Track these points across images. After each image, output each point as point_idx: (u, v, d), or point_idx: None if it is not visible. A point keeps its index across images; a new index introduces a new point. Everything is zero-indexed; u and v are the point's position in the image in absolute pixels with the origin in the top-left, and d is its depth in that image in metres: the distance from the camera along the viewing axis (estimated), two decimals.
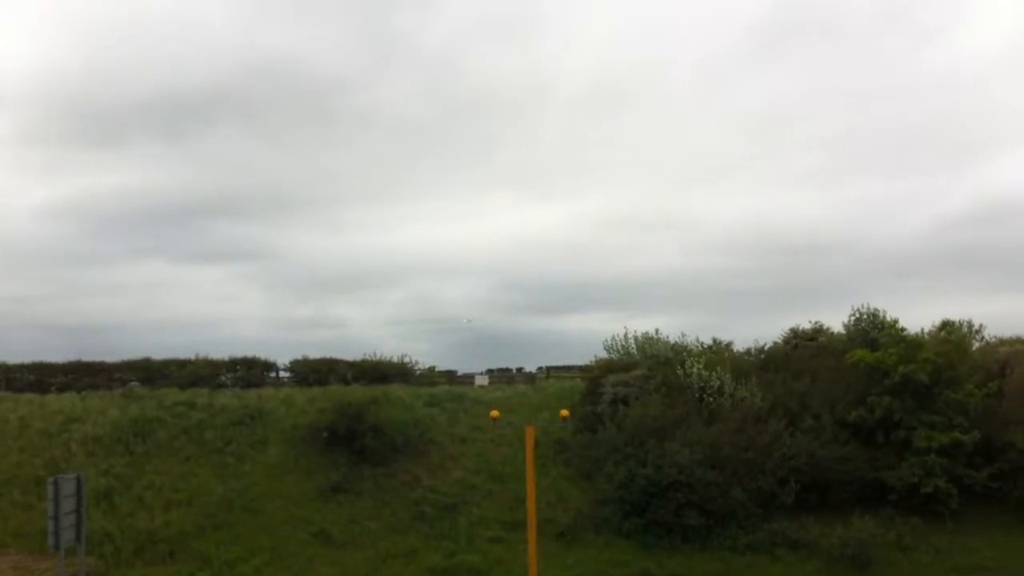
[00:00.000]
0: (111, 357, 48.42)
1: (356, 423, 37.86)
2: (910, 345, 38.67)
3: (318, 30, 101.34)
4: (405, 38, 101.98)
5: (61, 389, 44.87)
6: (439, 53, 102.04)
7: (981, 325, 44.67)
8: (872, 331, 42.22)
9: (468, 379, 51.54)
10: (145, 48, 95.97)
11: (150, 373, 46.72)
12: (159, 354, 48.23)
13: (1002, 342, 44.34)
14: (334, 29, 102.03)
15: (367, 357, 48.75)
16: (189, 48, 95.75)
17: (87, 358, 48.39)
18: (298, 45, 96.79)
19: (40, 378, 46.52)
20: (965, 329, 44.13)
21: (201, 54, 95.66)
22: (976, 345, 43.74)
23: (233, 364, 48.12)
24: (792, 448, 36.27)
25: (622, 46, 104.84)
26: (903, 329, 41.38)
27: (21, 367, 47.35)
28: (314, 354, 49.09)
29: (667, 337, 45.75)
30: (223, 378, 47.32)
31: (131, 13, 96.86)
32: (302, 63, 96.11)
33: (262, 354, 49.00)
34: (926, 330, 43.13)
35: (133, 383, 45.71)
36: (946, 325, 43.67)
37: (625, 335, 46.28)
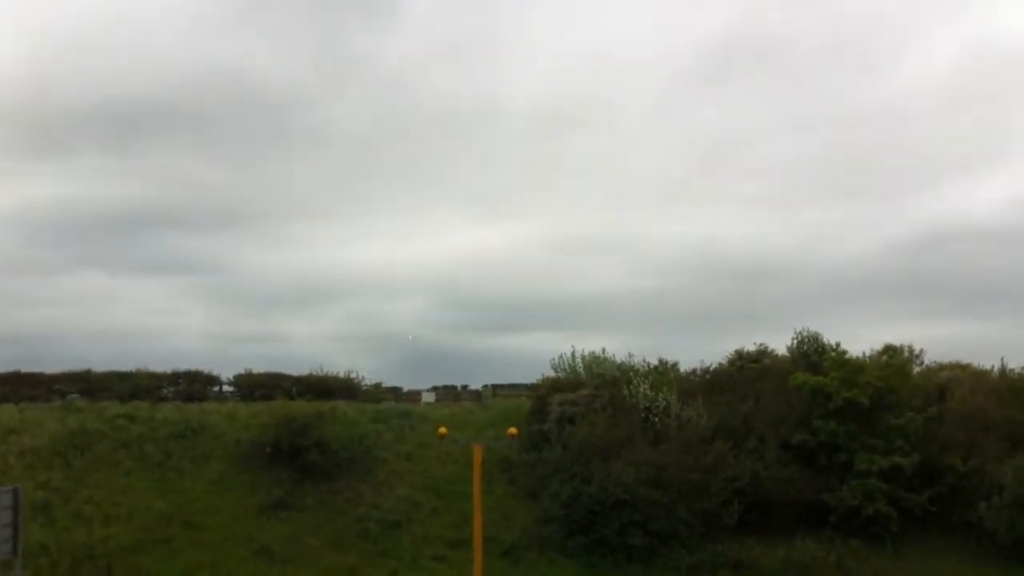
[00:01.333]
0: (50, 368, 47.54)
1: (300, 438, 37.48)
2: (852, 368, 39.19)
3: (271, 46, 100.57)
4: (359, 57, 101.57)
5: None
6: (392, 73, 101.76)
7: (922, 350, 45.39)
8: (814, 354, 42.68)
9: (414, 396, 51.25)
10: (92, 59, 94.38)
11: (90, 385, 45.89)
12: (100, 366, 47.40)
13: (942, 367, 45.06)
14: (288, 46, 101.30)
15: (312, 372, 48.33)
16: (138, 60, 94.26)
17: (26, 369, 47.49)
18: (251, 60, 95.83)
19: None
20: (906, 353, 44.76)
21: (150, 66, 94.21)
22: (917, 369, 44.41)
23: (176, 377, 47.44)
24: (736, 469, 36.54)
25: (574, 70, 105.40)
26: (844, 352, 41.92)
27: None
28: (259, 369, 48.60)
29: (614, 357, 45.89)
30: (165, 391, 46.66)
31: (78, 23, 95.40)
32: (254, 78, 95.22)
33: (205, 368, 48.41)
34: (868, 354, 43.71)
35: (73, 395, 44.85)
36: (888, 349, 44.26)
37: (572, 354, 46.36)
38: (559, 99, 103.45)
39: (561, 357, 46.44)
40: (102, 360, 54.67)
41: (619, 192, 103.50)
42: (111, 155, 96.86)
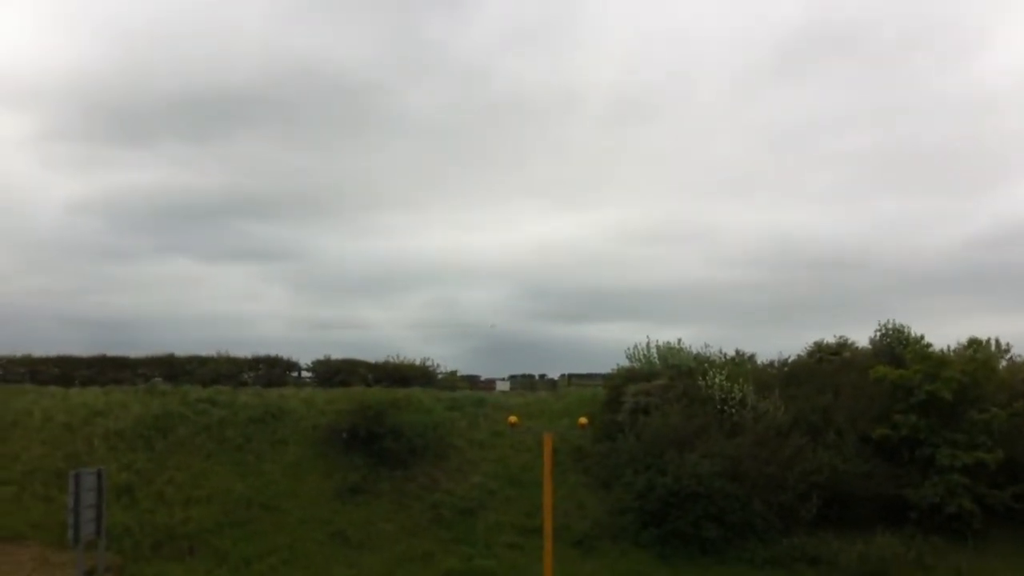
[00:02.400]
0: (135, 352, 48.61)
1: (376, 425, 37.87)
2: (935, 362, 38.35)
3: (351, 35, 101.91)
4: (436, 45, 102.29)
5: (85, 383, 45.03)
6: (469, 61, 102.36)
7: (1008, 344, 44.20)
8: (897, 347, 41.89)
9: (489, 384, 51.46)
10: (178, 48, 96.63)
11: (173, 369, 46.86)
12: (182, 351, 48.35)
13: None
14: (367, 34, 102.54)
15: (389, 359, 48.75)
16: (222, 49, 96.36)
17: (111, 353, 48.60)
18: (331, 49, 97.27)
19: (64, 371, 46.67)
20: (992, 347, 43.67)
21: (234, 56, 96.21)
22: (1003, 364, 43.27)
23: (255, 362, 48.21)
24: (814, 463, 35.99)
25: (650, 58, 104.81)
26: (929, 346, 41.08)
27: (46, 360, 47.53)
28: (336, 355, 49.11)
29: (689, 348, 45.52)
30: (245, 376, 47.41)
31: (165, 13, 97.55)
32: (334, 67, 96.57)
33: (284, 354, 49.09)
34: (952, 348, 42.78)
35: (156, 379, 45.86)
36: (973, 343, 43.23)
37: (647, 345, 46.03)
38: (634, 87, 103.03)
39: (636, 347, 46.20)
40: (185, 345, 55.83)
41: (695, 181, 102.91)
42: (196, 143, 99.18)
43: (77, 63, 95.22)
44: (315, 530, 34.53)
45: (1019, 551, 35.51)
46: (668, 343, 45.96)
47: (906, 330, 43.11)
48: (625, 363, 45.88)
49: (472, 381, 51.98)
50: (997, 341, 44.02)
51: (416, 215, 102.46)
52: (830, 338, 45.81)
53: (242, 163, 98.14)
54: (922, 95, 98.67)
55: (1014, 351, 44.26)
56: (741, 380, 39.80)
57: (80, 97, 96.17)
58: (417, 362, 49.41)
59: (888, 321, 43.75)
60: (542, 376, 54.90)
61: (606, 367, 48.75)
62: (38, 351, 48.20)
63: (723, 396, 39.23)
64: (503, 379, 52.35)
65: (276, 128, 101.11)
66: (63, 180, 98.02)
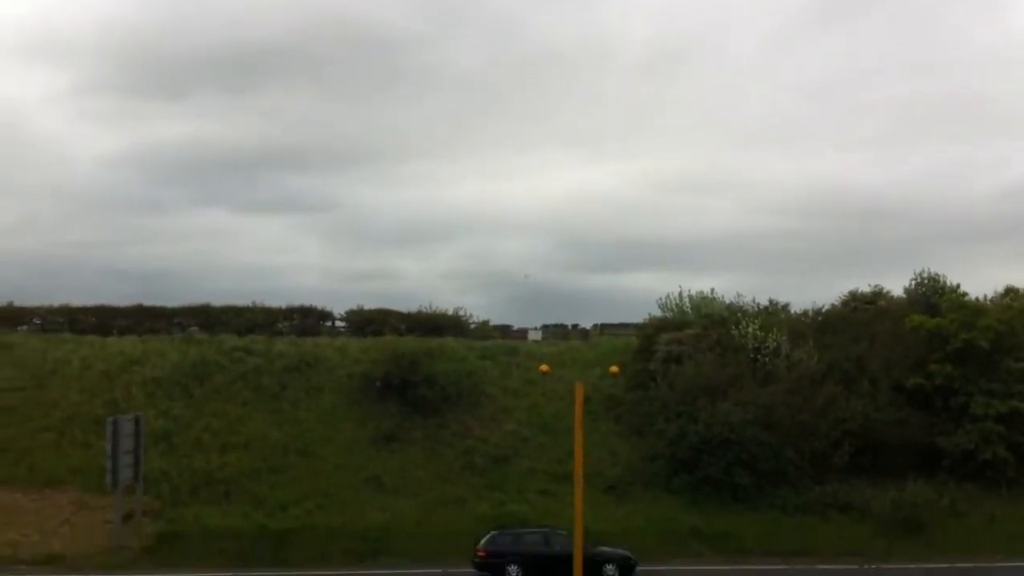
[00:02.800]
0: (172, 302, 49.05)
1: (409, 374, 38.13)
2: (971, 311, 38.08)
3: None
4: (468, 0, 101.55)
5: (122, 332, 45.56)
6: (502, 13, 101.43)
7: None
8: (933, 296, 41.60)
9: (522, 334, 51.53)
10: (211, 2, 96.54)
11: (209, 319, 47.26)
12: (218, 301, 48.69)
13: None
14: None
15: (422, 309, 48.95)
16: (256, 3, 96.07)
17: (148, 303, 49.10)
18: (365, 2, 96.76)
19: (102, 321, 47.23)
20: None
21: (268, 9, 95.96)
22: None
23: (290, 312, 48.55)
24: (847, 411, 35.99)
25: (683, 10, 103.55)
26: (965, 294, 40.74)
27: (84, 309, 48.09)
28: (370, 305, 49.36)
29: (722, 297, 45.39)
30: (280, 326, 47.75)
31: None
32: (368, 20, 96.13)
33: (319, 304, 49.37)
34: (988, 296, 42.41)
35: (192, 328, 46.33)
36: (1010, 291, 42.87)
37: (680, 294, 45.98)
38: (668, 38, 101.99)
39: (669, 297, 46.15)
40: (221, 295, 56.32)
41: (729, 131, 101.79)
42: (231, 96, 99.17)
43: (111, 17, 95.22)
44: (350, 476, 34.98)
45: None
46: (701, 293, 45.97)
47: (942, 279, 42.83)
48: (657, 313, 45.90)
49: (504, 331, 52.06)
50: None
51: (449, 166, 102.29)
52: (865, 287, 45.65)
53: (276, 116, 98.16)
54: (962, 44, 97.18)
55: None
56: (775, 329, 39.69)
57: (114, 51, 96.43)
58: (450, 312, 49.60)
59: (924, 270, 43.53)
60: (574, 326, 54.91)
61: (638, 317, 48.78)
62: (76, 301, 48.83)
63: (756, 345, 39.16)
64: (535, 328, 52.38)
65: (310, 81, 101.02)
66: (99, 133, 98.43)
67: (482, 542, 29.14)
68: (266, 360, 40.99)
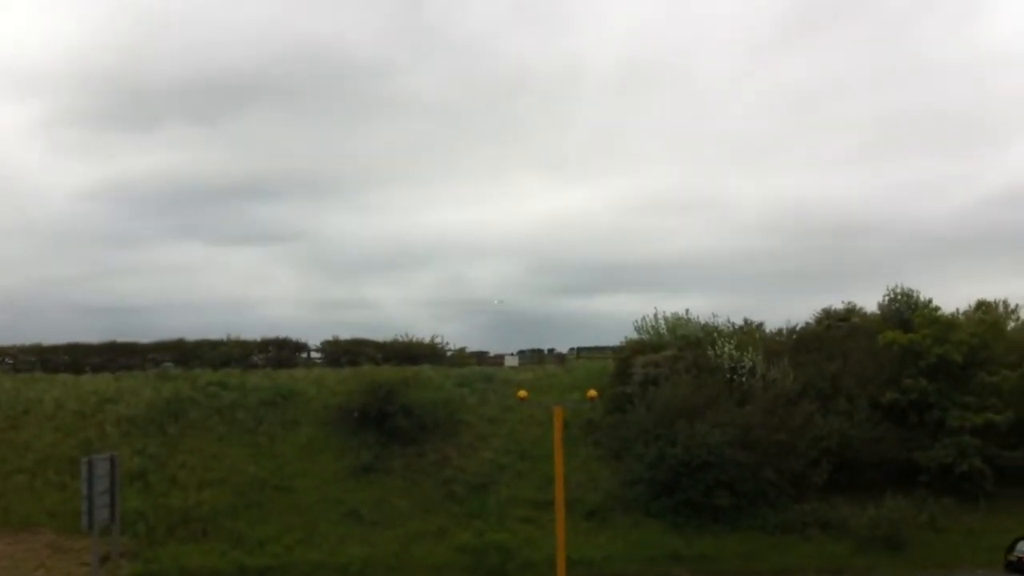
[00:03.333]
0: (145, 338, 48.70)
1: (387, 404, 37.97)
2: (944, 325, 38.34)
3: (353, 16, 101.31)
4: (438, 25, 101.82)
5: (96, 370, 45.22)
6: (471, 39, 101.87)
7: (1017, 305, 44.17)
8: (906, 311, 41.80)
9: (498, 360, 51.48)
10: (183, 31, 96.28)
11: (183, 354, 46.97)
12: (192, 335, 48.42)
13: None
14: (369, 15, 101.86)
15: (398, 338, 48.82)
16: (225, 32, 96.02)
17: (121, 339, 48.71)
18: (333, 31, 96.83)
19: (75, 359, 46.86)
20: (1001, 309, 43.60)
21: (237, 38, 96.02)
22: (1012, 325, 43.22)
23: (265, 345, 48.31)
24: (824, 429, 36.11)
25: (654, 29, 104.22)
26: (937, 309, 41.00)
27: (56, 348, 47.73)
28: (345, 335, 49.22)
29: (697, 318, 45.53)
30: (255, 359, 47.55)
31: None
32: (338, 47, 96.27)
33: (294, 335, 49.17)
34: (961, 310, 42.70)
35: (166, 364, 46.01)
36: (982, 305, 43.16)
37: (655, 316, 46.11)
38: (640, 59, 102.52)
39: (644, 319, 46.27)
40: (194, 329, 56.02)
41: (702, 151, 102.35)
42: (202, 126, 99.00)
43: (82, 48, 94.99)
44: (329, 509, 34.74)
45: None
46: (676, 314, 46.12)
47: (915, 294, 43.04)
48: (633, 335, 45.99)
49: (481, 357, 52.00)
50: (1005, 303, 44.05)
51: (423, 193, 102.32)
52: (838, 304, 45.79)
53: (249, 145, 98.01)
54: (931, 58, 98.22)
55: (1023, 312, 44.24)
56: (750, 349, 39.79)
57: (86, 82, 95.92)
58: (426, 340, 49.52)
59: (896, 286, 43.68)
60: (551, 350, 54.85)
61: (614, 340, 48.85)
62: (48, 339, 48.51)
63: (732, 365, 39.25)
64: (512, 354, 52.34)
65: (282, 109, 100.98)
66: (70, 166, 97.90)
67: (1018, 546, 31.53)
68: (241, 394, 40.73)
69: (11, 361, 47.56)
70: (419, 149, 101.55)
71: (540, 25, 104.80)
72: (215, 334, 48.31)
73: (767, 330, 44.84)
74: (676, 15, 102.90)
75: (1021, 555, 31.36)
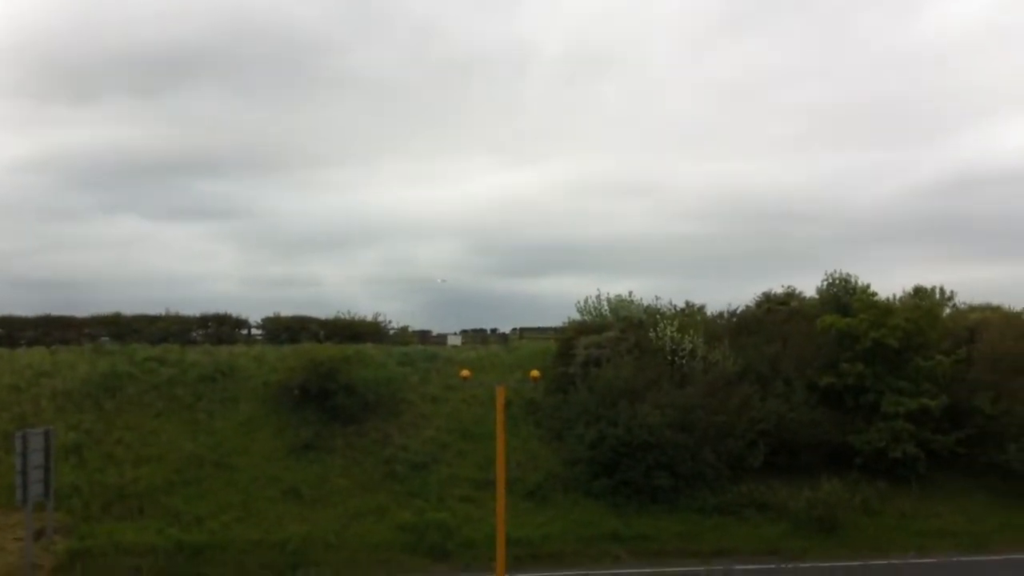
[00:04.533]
0: (82, 312, 47.88)
1: (328, 381, 37.71)
2: (881, 310, 38.94)
3: None
4: (387, 4, 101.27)
5: (30, 343, 44.39)
6: (420, 20, 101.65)
7: (952, 292, 45.21)
8: (844, 296, 42.39)
9: (441, 339, 51.43)
10: (124, 3, 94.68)
11: (120, 328, 46.22)
12: (130, 310, 47.73)
13: (972, 309, 44.90)
14: None
15: (340, 316, 48.52)
16: (169, 5, 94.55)
17: (57, 312, 47.86)
18: (280, 6, 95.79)
19: (9, 332, 45.95)
20: (936, 295, 44.47)
21: (182, 11, 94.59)
22: (947, 312, 44.13)
23: (204, 321, 47.69)
24: (762, 411, 36.56)
25: (602, 16, 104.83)
26: (875, 295, 41.62)
27: None
28: (287, 312, 48.82)
29: (640, 300, 45.76)
30: (194, 335, 46.95)
31: None
32: (283, 23, 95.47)
33: (236, 312, 48.63)
34: (898, 296, 43.43)
35: (103, 338, 45.27)
36: (918, 291, 43.96)
37: (598, 297, 46.23)
38: (587, 45, 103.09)
39: (587, 300, 46.38)
40: (133, 304, 55.15)
41: (647, 136, 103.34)
42: (142, 100, 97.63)
43: (20, 19, 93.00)
44: (268, 487, 34.45)
45: (962, 493, 36.55)
46: (619, 296, 46.28)
47: (853, 279, 43.65)
48: (576, 316, 46.13)
49: (424, 336, 51.90)
50: (941, 289, 44.99)
51: (367, 171, 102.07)
52: (778, 288, 46.37)
53: (190, 120, 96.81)
54: (871, 48, 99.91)
55: (958, 299, 45.26)
56: (691, 331, 40.11)
57: (23, 53, 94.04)
58: (368, 318, 49.29)
59: (835, 271, 44.27)
60: (493, 330, 54.96)
61: (557, 321, 49.11)
62: None
63: (673, 347, 39.53)
64: (455, 334, 52.30)
65: (225, 85, 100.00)
66: (7, 138, 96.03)
67: None
68: (180, 370, 40.20)
69: None
70: (365, 128, 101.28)
71: (491, 9, 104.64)
72: (154, 310, 47.70)
73: (708, 313, 45.32)
74: (625, 3, 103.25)
75: None
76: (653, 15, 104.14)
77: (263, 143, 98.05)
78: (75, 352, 41.92)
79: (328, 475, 35.38)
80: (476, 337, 53.29)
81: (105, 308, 47.99)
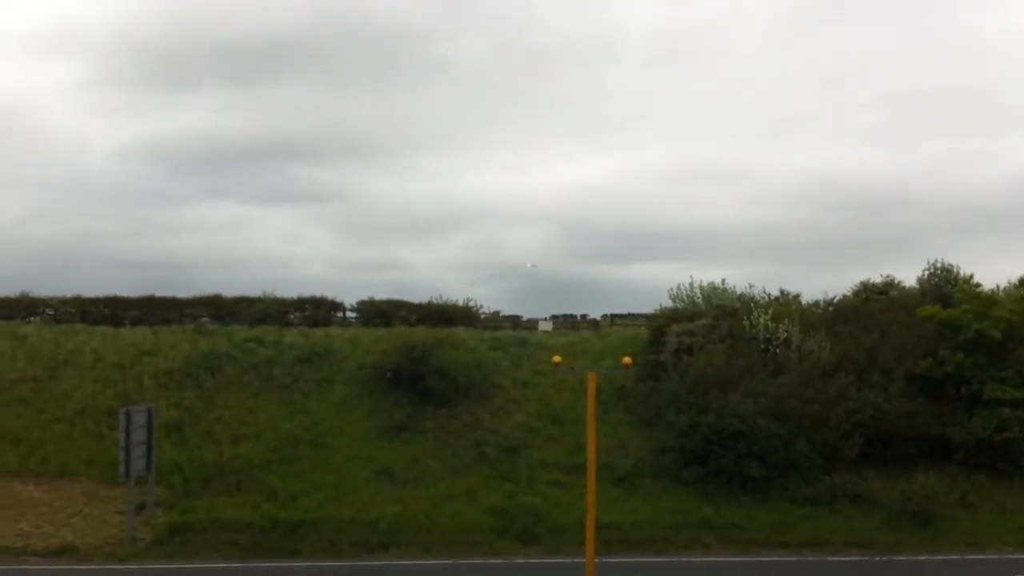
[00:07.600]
0: (183, 293, 49.26)
1: (420, 364, 38.13)
2: (984, 301, 37.89)
3: None
4: None
5: (134, 323, 45.80)
6: (509, 7, 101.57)
7: None
8: (945, 287, 41.40)
9: (532, 324, 51.56)
10: None
11: (220, 310, 47.44)
12: (229, 292, 48.91)
13: None
14: None
15: (432, 300, 49.00)
16: None
17: (160, 293, 49.32)
18: None
19: (114, 312, 47.44)
20: None
21: (276, 2, 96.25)
22: None
23: (301, 303, 48.66)
24: (858, 402, 35.85)
25: (689, 2, 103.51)
26: (978, 285, 40.56)
27: (96, 300, 48.30)
28: (380, 296, 49.51)
29: (733, 288, 45.32)
30: (291, 316, 47.91)
31: None
32: (375, 13, 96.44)
33: (329, 294, 49.51)
34: (1002, 287, 42.21)
35: (204, 319, 46.49)
36: (1023, 282, 42.62)
37: (691, 285, 45.95)
38: (675, 32, 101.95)
39: (679, 287, 46.13)
40: (232, 286, 56.48)
41: (737, 123, 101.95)
42: (241, 89, 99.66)
43: (123, 9, 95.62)
44: (361, 467, 35.03)
45: None
46: (712, 283, 45.92)
47: (955, 269, 42.66)
48: (668, 303, 45.86)
49: (515, 321, 52.11)
50: None
51: (458, 158, 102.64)
52: (876, 277, 45.44)
53: (287, 107, 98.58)
54: (970, 35, 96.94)
55: None
56: (786, 320, 39.52)
57: (126, 43, 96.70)
58: (460, 303, 49.64)
59: (936, 260, 43.28)
60: (584, 316, 54.84)
61: (648, 307, 48.83)
62: (88, 292, 49.06)
63: (767, 336, 39.04)
64: (545, 319, 52.38)
65: (320, 73, 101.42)
66: (110, 126, 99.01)
67: None
68: (277, 351, 41.11)
69: (52, 312, 48.23)
70: (456, 115, 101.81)
71: None
72: (252, 291, 48.81)
73: (804, 302, 44.58)
74: None
75: None
76: (742, 1, 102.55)
77: (357, 130, 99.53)
78: (177, 332, 43.15)
79: (420, 457, 35.81)
80: (566, 323, 53.28)
81: (206, 290, 49.52)
